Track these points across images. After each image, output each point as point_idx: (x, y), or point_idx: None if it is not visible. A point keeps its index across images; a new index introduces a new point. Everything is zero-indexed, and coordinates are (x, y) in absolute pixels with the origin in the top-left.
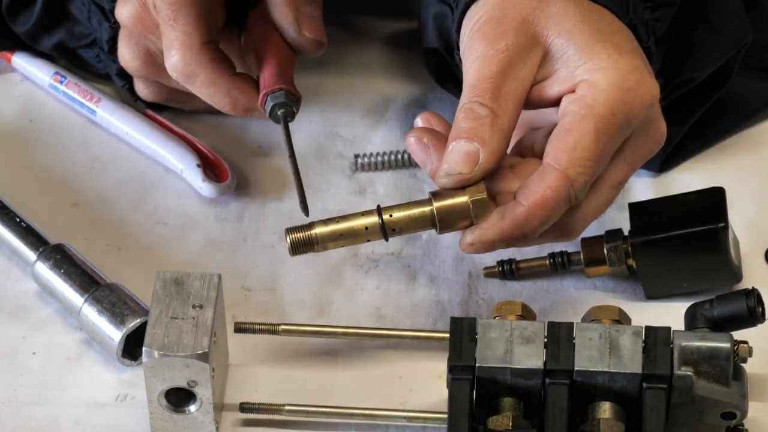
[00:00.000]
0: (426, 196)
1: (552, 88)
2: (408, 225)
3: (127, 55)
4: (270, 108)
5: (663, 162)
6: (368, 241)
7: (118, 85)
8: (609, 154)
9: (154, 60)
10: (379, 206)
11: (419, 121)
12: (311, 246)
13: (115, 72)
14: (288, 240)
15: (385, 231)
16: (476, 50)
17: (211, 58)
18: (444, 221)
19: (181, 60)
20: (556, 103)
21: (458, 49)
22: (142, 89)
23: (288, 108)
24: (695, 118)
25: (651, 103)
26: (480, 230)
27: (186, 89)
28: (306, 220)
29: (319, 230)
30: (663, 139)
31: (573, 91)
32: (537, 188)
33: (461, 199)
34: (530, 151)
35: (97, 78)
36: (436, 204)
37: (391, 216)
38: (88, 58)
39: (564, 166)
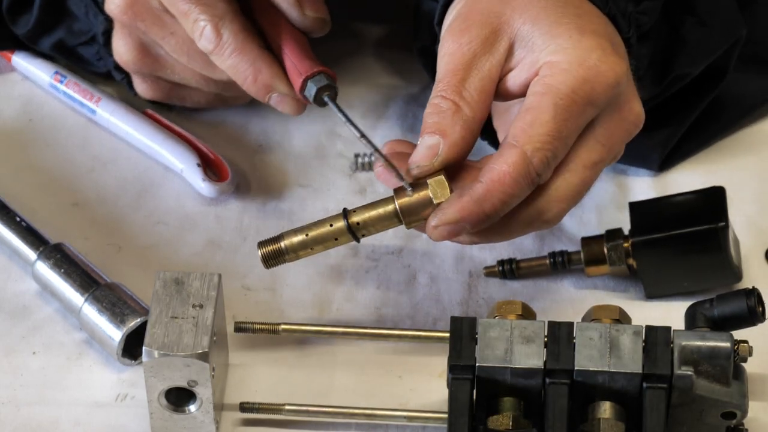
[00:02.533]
0: None
1: (520, 76)
2: (374, 223)
3: (121, 49)
4: (314, 93)
5: (662, 161)
6: (339, 244)
7: (117, 79)
8: (571, 131)
9: (148, 52)
10: (345, 209)
11: (384, 150)
12: (282, 257)
13: (113, 66)
14: (259, 253)
15: (354, 233)
16: (444, 47)
17: (241, 26)
18: (407, 213)
19: (213, 29)
20: (525, 90)
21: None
22: (139, 85)
23: (332, 90)
24: (693, 117)
25: (615, 82)
26: (441, 211)
27: (186, 82)
28: (301, 223)
29: (287, 241)
30: (640, 121)
31: (535, 74)
32: (495, 165)
33: (422, 188)
34: None
35: (98, 77)
36: (397, 198)
37: (356, 217)
38: (88, 56)
39: (521, 143)
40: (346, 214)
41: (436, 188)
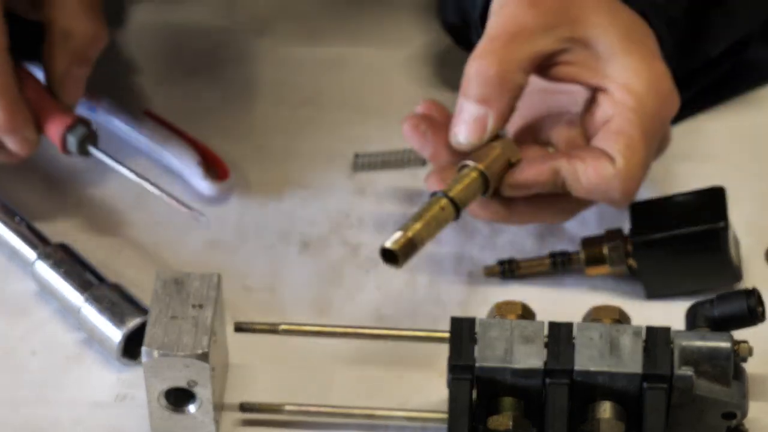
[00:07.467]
0: (438, 186)
1: (580, 73)
2: (467, 197)
3: None
4: (77, 145)
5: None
6: (446, 224)
7: None
8: (652, 157)
9: None
10: (437, 192)
11: (419, 108)
12: (414, 249)
13: None
14: (396, 253)
15: (458, 208)
16: (508, 5)
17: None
18: (492, 176)
19: None
20: (575, 83)
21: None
22: None
23: (92, 136)
24: (705, 83)
25: (675, 113)
26: (519, 169)
27: None
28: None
29: (414, 233)
30: (667, 146)
31: (601, 86)
32: (595, 171)
33: (494, 148)
34: (532, 137)
35: (98, 77)
36: (479, 165)
37: (454, 195)
38: None
39: (620, 167)
40: (446, 195)
41: (509, 149)
